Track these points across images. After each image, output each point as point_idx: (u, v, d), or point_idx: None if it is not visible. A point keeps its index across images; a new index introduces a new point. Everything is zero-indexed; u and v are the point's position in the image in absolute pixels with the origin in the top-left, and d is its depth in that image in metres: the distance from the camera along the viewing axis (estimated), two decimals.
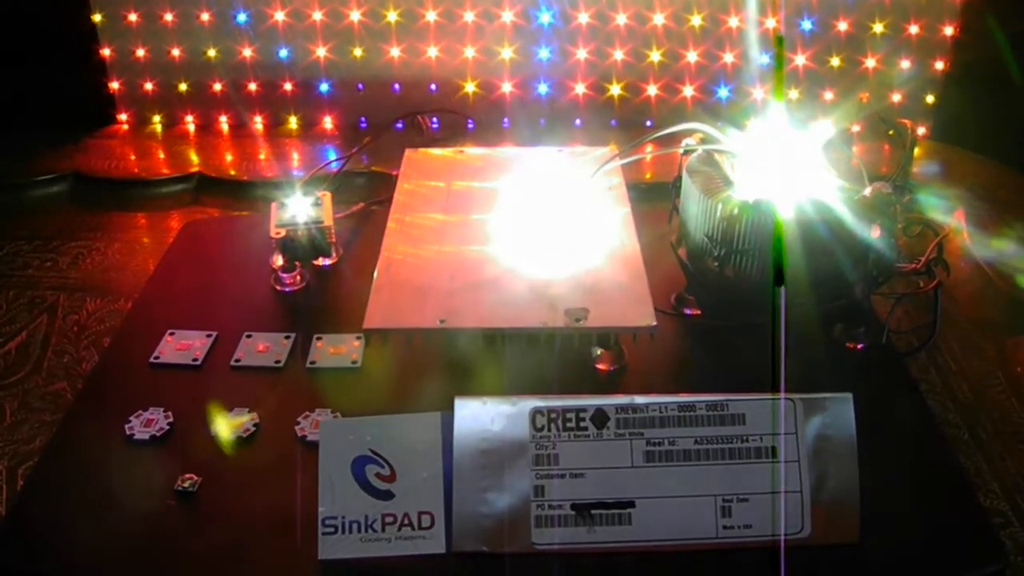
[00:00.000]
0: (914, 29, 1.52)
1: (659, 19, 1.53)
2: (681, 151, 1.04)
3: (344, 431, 0.80)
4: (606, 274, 0.95)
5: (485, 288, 0.93)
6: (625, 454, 0.77)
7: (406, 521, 0.77)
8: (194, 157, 1.56)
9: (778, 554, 0.75)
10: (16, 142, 1.57)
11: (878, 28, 1.53)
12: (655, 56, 1.55)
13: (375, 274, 0.95)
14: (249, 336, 1.03)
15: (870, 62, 1.55)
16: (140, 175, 1.52)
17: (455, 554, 0.76)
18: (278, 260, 1.11)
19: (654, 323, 0.88)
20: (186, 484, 0.84)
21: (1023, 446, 0.98)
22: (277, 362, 1.00)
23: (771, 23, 1.51)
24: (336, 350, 1.01)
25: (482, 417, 0.77)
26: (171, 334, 1.04)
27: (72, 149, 1.58)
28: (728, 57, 1.55)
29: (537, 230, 1.04)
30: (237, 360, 1.00)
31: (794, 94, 1.57)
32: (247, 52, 1.58)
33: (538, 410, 0.77)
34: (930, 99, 1.58)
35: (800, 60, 1.55)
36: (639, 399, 0.78)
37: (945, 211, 1.34)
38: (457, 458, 0.77)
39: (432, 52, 1.57)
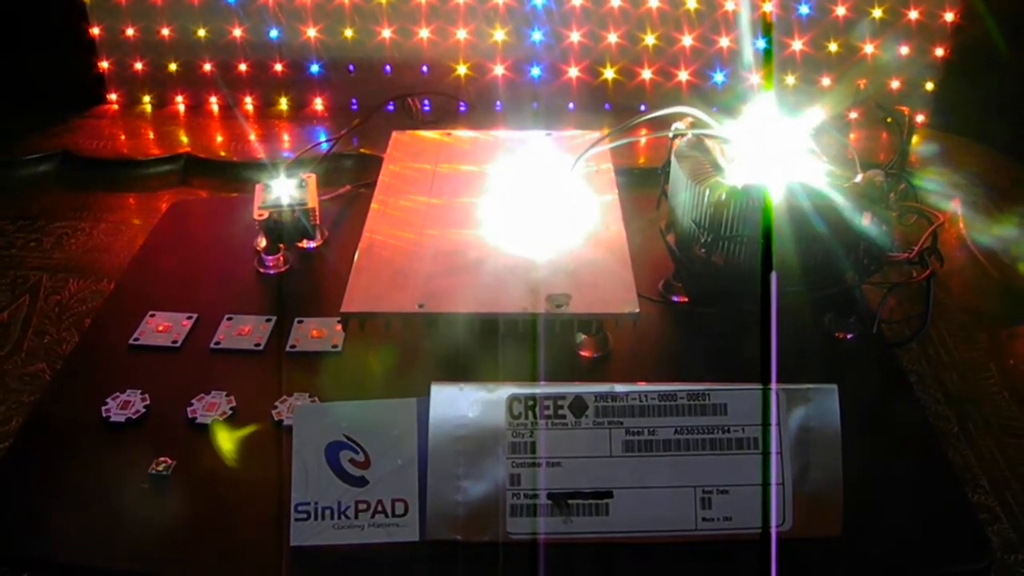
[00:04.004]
0: (913, 15, 1.50)
1: (654, 2, 1.51)
2: (670, 136, 1.02)
3: (318, 416, 0.79)
4: (590, 259, 0.94)
5: (467, 272, 0.92)
6: (604, 443, 0.75)
7: (379, 508, 0.76)
8: (184, 138, 1.55)
9: (756, 547, 0.74)
10: (4, 121, 1.55)
11: (877, 14, 1.50)
12: (650, 39, 1.53)
13: (356, 256, 0.94)
14: (230, 319, 1.02)
15: (868, 48, 1.53)
16: (129, 155, 1.51)
17: (428, 542, 0.75)
18: (262, 242, 1.10)
19: (636, 310, 0.87)
20: (160, 468, 0.83)
21: (1014, 440, 0.96)
22: (257, 345, 0.99)
23: (768, 7, 1.49)
24: (317, 334, 0.99)
25: (458, 404, 0.76)
26: (152, 316, 1.02)
27: (61, 128, 1.57)
28: (724, 41, 1.53)
29: (522, 214, 1.02)
30: (217, 343, 0.99)
31: (791, 80, 1.55)
32: (237, 32, 1.57)
33: (515, 397, 0.76)
34: (929, 86, 1.56)
35: (797, 45, 1.52)
36: (619, 387, 0.76)
37: (942, 199, 1.32)
38: (432, 445, 0.75)
39: (424, 33, 1.55)
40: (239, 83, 1.61)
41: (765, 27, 1.49)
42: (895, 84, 1.56)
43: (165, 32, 1.58)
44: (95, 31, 1.59)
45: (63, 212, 1.37)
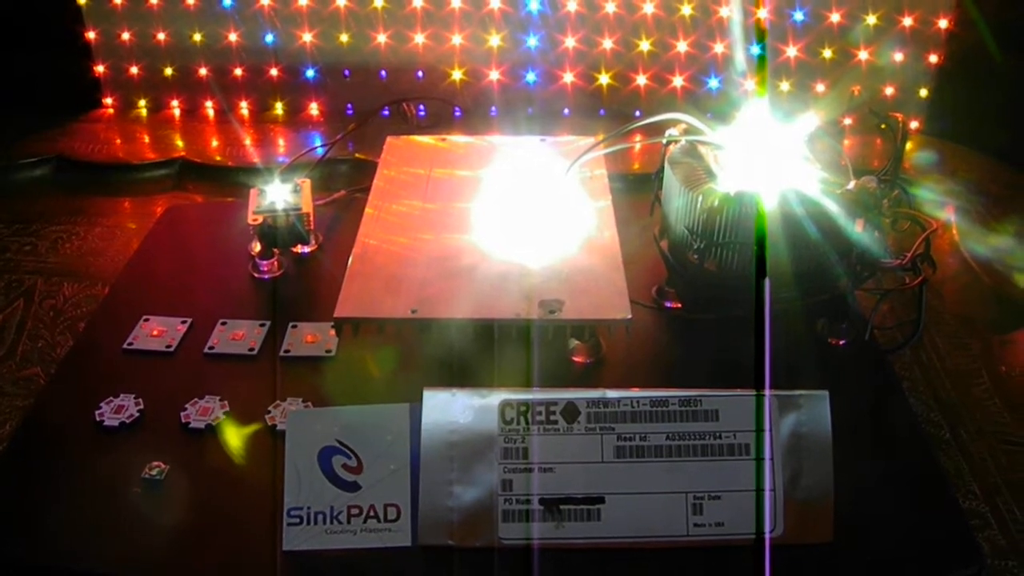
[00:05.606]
0: (908, 21, 1.51)
1: (649, 8, 1.51)
2: (664, 142, 1.02)
3: (312, 421, 0.79)
4: (583, 265, 0.94)
5: (460, 278, 0.92)
6: (595, 449, 0.75)
7: (372, 513, 0.76)
8: (179, 142, 1.55)
9: (748, 553, 0.74)
10: (0, 125, 1.55)
11: (871, 20, 1.51)
12: (644, 45, 1.54)
13: (349, 261, 0.94)
14: (224, 323, 1.02)
15: (863, 54, 1.53)
16: (124, 159, 1.51)
17: (421, 547, 0.75)
18: (256, 247, 1.10)
19: (629, 316, 0.87)
20: (153, 472, 0.83)
21: (1005, 447, 0.96)
22: (251, 350, 0.99)
23: (762, 13, 1.50)
24: (311, 338, 0.99)
25: (451, 409, 0.76)
26: (146, 320, 1.02)
27: (56, 132, 1.57)
28: (718, 47, 1.53)
29: (516, 220, 1.02)
30: (211, 347, 0.99)
31: (785, 86, 1.55)
32: (233, 37, 1.57)
33: (507, 403, 0.76)
34: (923, 92, 1.56)
35: (792, 51, 1.53)
36: (611, 393, 0.76)
37: (936, 206, 1.32)
38: (424, 450, 0.75)
39: (419, 39, 1.55)
40: (234, 88, 1.62)
41: (759, 33, 1.49)
42: (889, 90, 1.56)
43: (161, 36, 1.58)
44: (91, 35, 1.60)
45: (58, 216, 1.37)
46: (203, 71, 1.60)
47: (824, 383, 0.78)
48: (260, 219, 1.07)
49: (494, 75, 1.57)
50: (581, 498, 0.75)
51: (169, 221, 1.25)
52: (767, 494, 0.75)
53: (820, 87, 1.56)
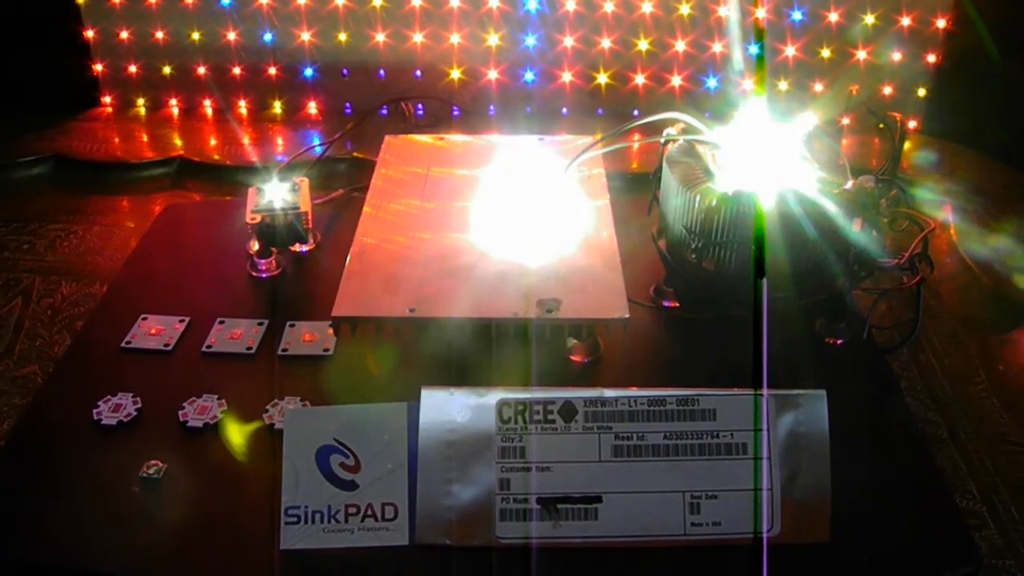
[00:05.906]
0: (906, 21, 1.51)
1: (647, 7, 1.51)
2: (662, 141, 1.02)
3: (310, 420, 0.79)
4: (581, 264, 0.94)
5: (458, 277, 0.92)
6: (593, 448, 0.75)
7: (369, 512, 0.76)
8: (177, 141, 1.55)
9: (745, 552, 0.74)
10: None
11: (869, 20, 1.51)
12: (643, 45, 1.54)
13: (347, 260, 0.94)
14: (222, 322, 1.02)
15: (861, 54, 1.53)
16: (122, 158, 1.51)
17: (418, 546, 0.75)
18: (254, 246, 1.10)
19: (627, 315, 0.87)
20: (151, 471, 0.83)
21: (1003, 447, 0.96)
22: (249, 349, 0.99)
23: (760, 13, 1.50)
24: (309, 337, 0.99)
25: (448, 408, 0.76)
26: (144, 319, 1.02)
27: (54, 131, 1.57)
28: (717, 47, 1.53)
29: (514, 219, 1.02)
30: (209, 346, 0.99)
31: (783, 85, 1.55)
32: (231, 36, 1.57)
33: (505, 402, 0.76)
34: (922, 92, 1.56)
35: (790, 51, 1.53)
36: (608, 392, 0.76)
37: (934, 205, 1.33)
38: (422, 449, 0.75)
39: (418, 38, 1.55)
40: (233, 87, 1.62)
41: (758, 32, 1.49)
42: (887, 90, 1.56)
43: (159, 35, 1.58)
44: (89, 34, 1.60)
45: (56, 215, 1.38)
46: (201, 70, 1.61)
47: (822, 382, 0.78)
48: (258, 218, 1.07)
49: (492, 74, 1.57)
50: (579, 497, 0.75)
51: (167, 220, 1.25)
52: (764, 493, 0.75)
53: (818, 86, 1.56)
